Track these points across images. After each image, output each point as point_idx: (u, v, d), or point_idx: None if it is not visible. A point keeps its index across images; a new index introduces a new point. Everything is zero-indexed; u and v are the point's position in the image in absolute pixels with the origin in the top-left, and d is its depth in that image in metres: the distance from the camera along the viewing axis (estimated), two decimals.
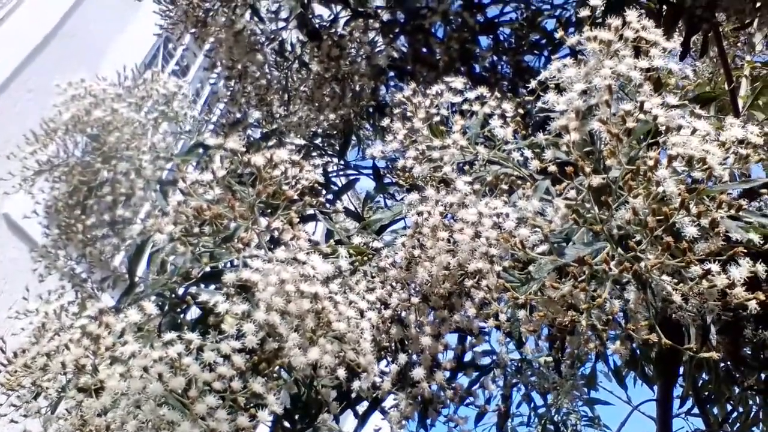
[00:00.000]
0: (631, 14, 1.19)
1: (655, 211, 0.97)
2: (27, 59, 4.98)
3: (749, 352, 2.78)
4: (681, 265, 0.94)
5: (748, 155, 1.08)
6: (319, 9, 2.83)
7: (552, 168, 1.13)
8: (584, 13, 1.22)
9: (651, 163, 0.99)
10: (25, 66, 4.95)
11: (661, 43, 1.16)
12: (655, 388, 3.64)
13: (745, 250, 0.95)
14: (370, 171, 2.71)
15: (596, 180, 1.01)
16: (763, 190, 1.23)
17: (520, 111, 1.51)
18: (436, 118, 1.49)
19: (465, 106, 1.51)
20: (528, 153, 1.41)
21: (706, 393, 3.52)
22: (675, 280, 1.02)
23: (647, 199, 0.99)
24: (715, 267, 0.97)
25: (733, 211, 1.01)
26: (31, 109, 4.38)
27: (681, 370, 3.27)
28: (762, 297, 0.92)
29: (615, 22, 1.18)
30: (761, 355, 2.61)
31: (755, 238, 1.01)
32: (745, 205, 1.04)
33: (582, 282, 1.01)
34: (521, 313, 1.16)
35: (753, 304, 0.94)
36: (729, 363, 3.04)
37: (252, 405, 1.18)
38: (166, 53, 6.18)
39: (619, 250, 1.04)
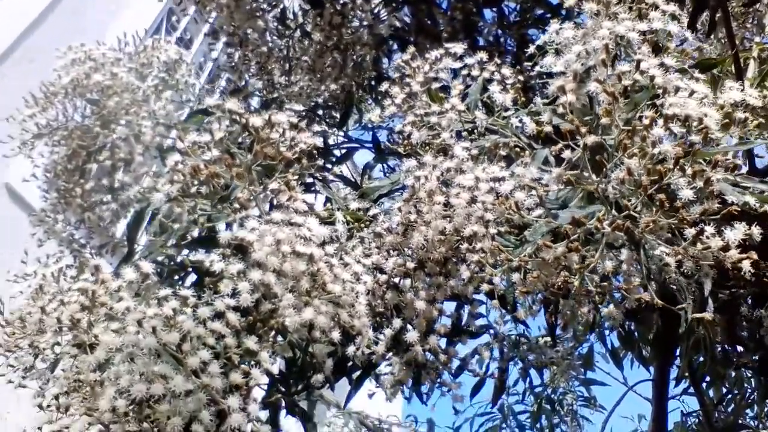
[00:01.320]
0: None
1: (650, 170, 0.96)
2: (28, 30, 4.96)
3: (745, 333, 2.79)
4: (675, 223, 0.94)
5: (746, 118, 1.08)
6: None
7: (548, 128, 1.12)
8: None
9: (647, 122, 0.99)
10: (26, 37, 4.93)
11: (661, 5, 1.15)
12: (651, 369, 3.66)
13: (739, 210, 0.95)
14: (370, 144, 2.70)
15: (591, 138, 1.01)
16: None
17: (520, 78, 1.51)
18: (435, 84, 1.49)
19: (464, 72, 1.50)
20: (526, 119, 1.41)
21: (702, 374, 3.53)
22: (669, 243, 1.02)
23: (642, 159, 0.99)
24: (709, 228, 0.97)
25: (728, 174, 1.00)
26: (33, 78, 4.36)
27: (677, 351, 3.28)
28: (755, 257, 0.92)
29: None
30: (757, 334, 2.61)
31: (751, 200, 1.01)
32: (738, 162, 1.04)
33: (575, 242, 1.01)
34: (515, 276, 1.16)
35: (746, 265, 0.94)
36: (725, 345, 3.05)
37: (246, 363, 1.19)
38: (169, 26, 6.14)
39: (614, 212, 1.04)
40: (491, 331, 2.09)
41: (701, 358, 3.45)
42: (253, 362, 1.19)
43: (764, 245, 1.01)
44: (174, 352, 1.11)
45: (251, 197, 1.39)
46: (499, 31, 2.76)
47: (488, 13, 2.78)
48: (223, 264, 1.23)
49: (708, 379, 3.55)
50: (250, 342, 1.16)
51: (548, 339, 3.65)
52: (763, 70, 3.65)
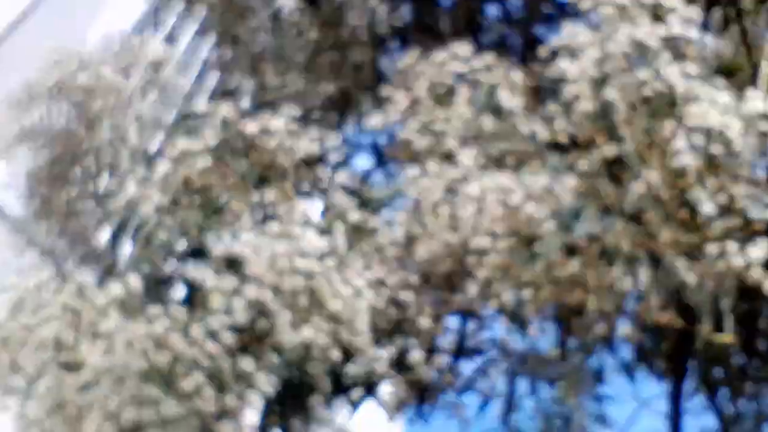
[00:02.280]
0: None
1: (671, 184, 0.96)
2: (13, 24, 4.94)
3: (764, 346, 2.78)
4: (696, 242, 0.94)
5: None
6: None
7: (562, 137, 1.12)
8: None
9: (668, 134, 0.98)
10: (12, 30, 4.92)
11: (680, 10, 1.15)
12: (665, 383, 3.65)
13: (764, 229, 0.94)
14: (368, 148, 2.68)
15: (610, 150, 1.00)
16: None
17: (529, 81, 1.50)
18: (440, 88, 1.48)
19: (471, 76, 1.49)
20: (537, 126, 1.40)
21: (717, 389, 3.52)
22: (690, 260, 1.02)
23: (662, 172, 0.98)
24: (731, 246, 0.97)
25: (752, 188, 1.00)
26: (15, 74, 4.35)
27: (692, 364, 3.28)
28: None
29: None
30: None
31: None
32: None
33: (592, 258, 1.00)
34: (526, 293, 1.16)
35: None
36: (742, 358, 3.05)
37: (241, 386, 1.18)
38: (156, 22, 6.13)
39: (631, 226, 1.04)
40: (497, 347, 2.08)
41: (717, 371, 3.45)
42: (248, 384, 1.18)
43: None
44: (164, 374, 1.10)
45: (246, 208, 1.38)
46: (504, 29, 2.75)
47: (493, 11, 2.77)
48: (216, 280, 1.22)
49: (725, 393, 3.55)
50: (246, 364, 1.15)
51: (558, 351, 3.63)
52: None
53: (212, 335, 1.14)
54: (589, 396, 4.25)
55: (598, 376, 4.25)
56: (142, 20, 5.91)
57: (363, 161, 2.76)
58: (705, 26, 2.59)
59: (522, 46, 2.73)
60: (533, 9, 2.77)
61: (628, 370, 4.16)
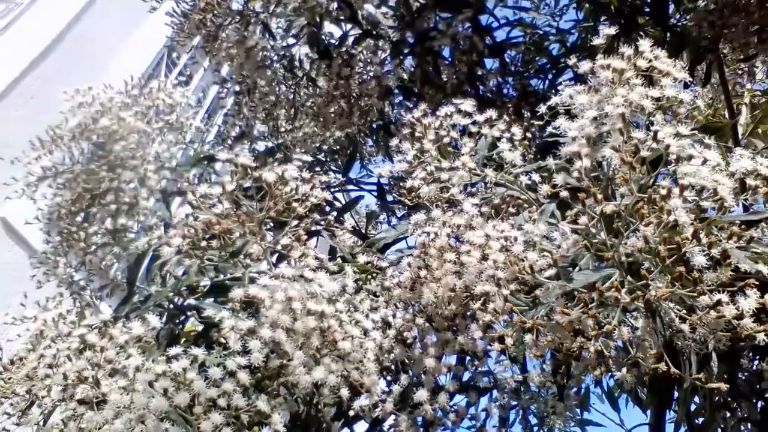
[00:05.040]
0: (644, 43, 1.20)
1: (667, 240, 0.97)
2: (31, 65, 4.98)
3: (745, 382, 2.77)
4: (691, 295, 0.94)
5: (757, 187, 1.09)
6: (329, 27, 2.85)
7: (563, 193, 1.13)
8: (598, 41, 1.24)
9: (663, 192, 1.00)
10: (29, 72, 4.95)
11: (673, 73, 1.17)
12: (649, 412, 3.62)
13: (756, 282, 0.95)
14: (373, 187, 2.71)
15: (609, 207, 1.01)
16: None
17: (528, 135, 1.52)
18: (446, 140, 1.50)
19: (473, 129, 1.51)
20: (536, 177, 1.42)
21: (700, 419, 3.50)
22: (684, 310, 1.02)
23: (658, 228, 0.99)
24: (724, 298, 0.97)
25: (743, 242, 1.01)
26: (33, 115, 4.38)
27: (675, 394, 3.25)
28: None
29: (628, 51, 1.20)
30: (757, 386, 2.60)
31: (764, 269, 1.01)
32: (754, 234, 1.05)
33: (591, 308, 1.01)
34: (528, 338, 1.16)
35: (762, 336, 0.94)
36: (724, 393, 3.03)
37: (255, 423, 1.17)
38: (170, 61, 6.20)
39: (629, 277, 1.05)
40: (490, 377, 2.07)
41: (698, 401, 3.42)
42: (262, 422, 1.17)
43: None
44: (184, 413, 1.09)
45: (262, 251, 1.38)
46: (501, 80, 2.80)
47: (491, 63, 2.83)
48: (233, 321, 1.22)
49: (705, 424, 3.52)
50: (261, 403, 1.14)
51: (545, 381, 3.61)
52: (755, 116, 3.72)
53: (230, 375, 1.14)
54: (574, 422, 4.21)
55: (584, 404, 4.21)
56: (157, 58, 5.95)
57: (367, 198, 2.78)
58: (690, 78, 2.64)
59: (517, 95, 2.78)
60: (528, 62, 2.82)
61: (611, 398, 4.14)
